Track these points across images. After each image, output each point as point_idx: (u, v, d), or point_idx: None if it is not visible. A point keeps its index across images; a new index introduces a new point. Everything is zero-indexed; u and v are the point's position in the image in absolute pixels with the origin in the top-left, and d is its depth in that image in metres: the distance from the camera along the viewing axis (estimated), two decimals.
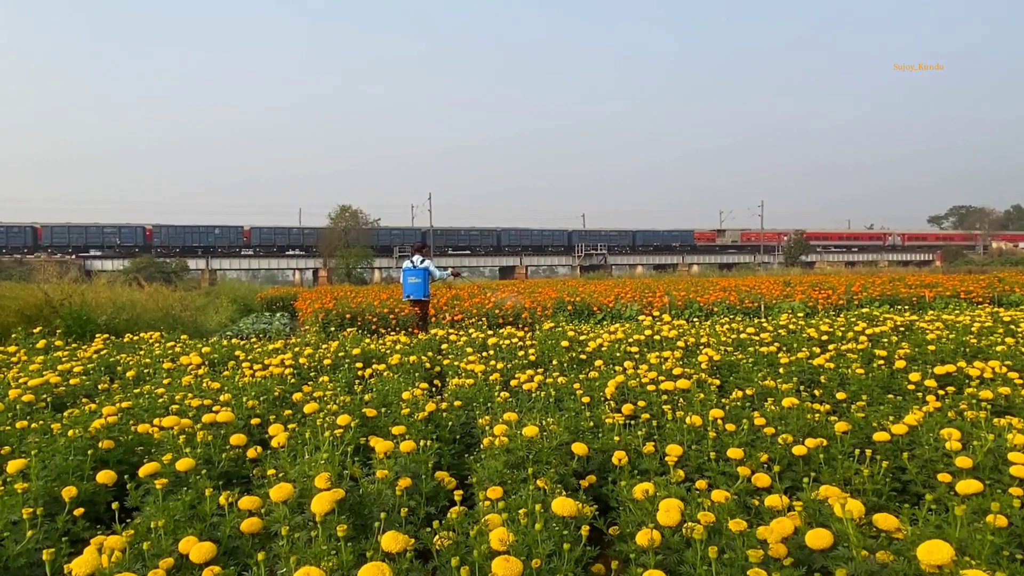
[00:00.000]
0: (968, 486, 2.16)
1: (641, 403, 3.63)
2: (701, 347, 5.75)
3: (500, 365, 4.97)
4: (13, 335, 7.12)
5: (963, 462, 2.44)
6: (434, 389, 4.98)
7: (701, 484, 2.38)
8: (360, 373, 5.17)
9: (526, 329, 8.51)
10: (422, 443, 2.84)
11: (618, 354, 5.63)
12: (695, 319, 9.80)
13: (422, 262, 9.82)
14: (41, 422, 3.50)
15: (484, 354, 5.70)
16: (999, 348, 5.12)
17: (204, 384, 4.48)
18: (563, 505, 2.10)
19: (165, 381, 4.78)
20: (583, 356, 5.73)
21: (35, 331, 7.22)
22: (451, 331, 7.54)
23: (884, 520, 1.95)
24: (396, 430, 3.06)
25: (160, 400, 4.05)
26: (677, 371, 4.30)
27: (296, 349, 6.06)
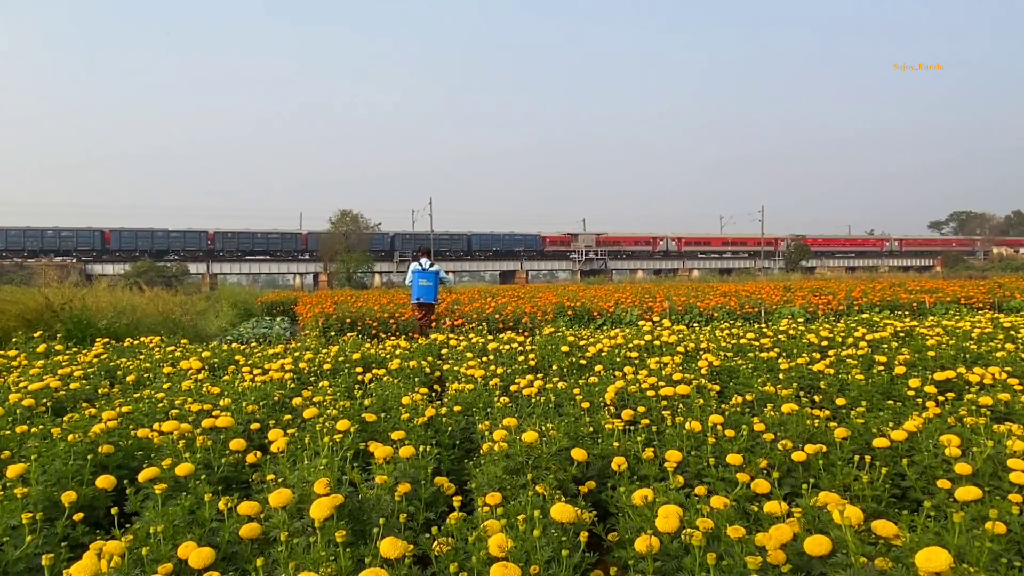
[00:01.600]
0: (967, 493, 2.16)
1: (641, 409, 3.63)
2: (701, 352, 5.75)
3: (500, 370, 4.97)
4: (14, 339, 7.13)
5: (962, 469, 2.44)
6: (434, 394, 4.99)
7: (700, 490, 2.38)
8: (360, 378, 5.17)
9: (526, 334, 8.52)
10: (421, 448, 2.84)
11: (618, 359, 5.63)
12: (695, 324, 9.81)
13: (431, 265, 9.77)
14: (41, 426, 3.49)
15: (484, 359, 5.71)
16: (999, 354, 5.12)
17: (204, 389, 4.48)
18: (562, 511, 2.10)
19: (165, 386, 4.78)
20: (583, 361, 5.73)
21: (36, 335, 7.24)
22: (451, 336, 7.54)
23: (883, 527, 1.95)
24: (396, 435, 3.07)
25: (160, 405, 4.05)
26: (677, 376, 4.30)
27: (296, 354, 6.06)
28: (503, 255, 57.67)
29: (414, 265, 9.82)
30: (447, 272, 10.55)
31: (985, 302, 13.35)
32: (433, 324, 10.14)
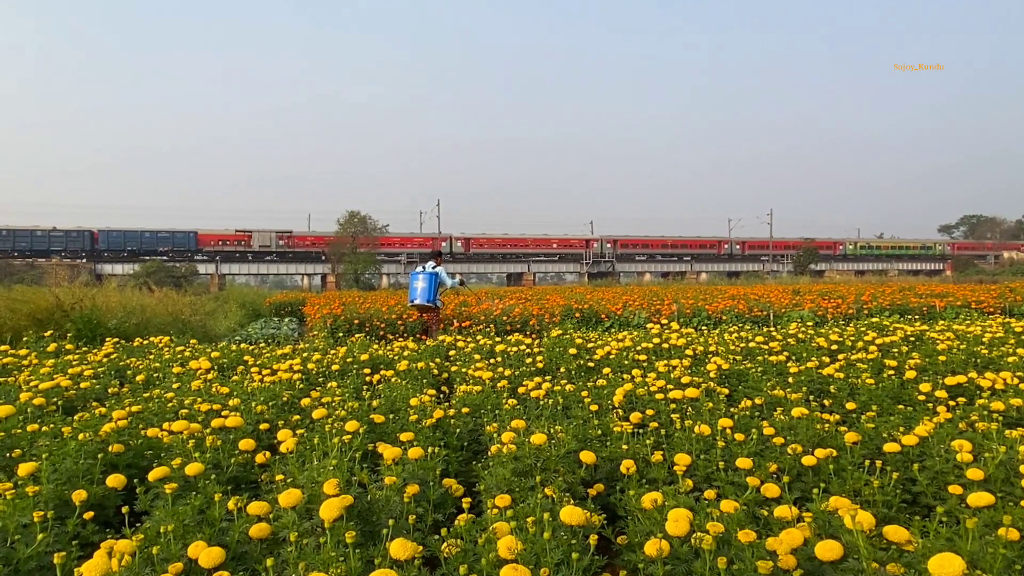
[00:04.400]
0: (979, 498, 2.14)
1: (649, 411, 3.62)
2: (710, 356, 5.73)
3: (508, 372, 4.97)
4: (24, 338, 7.19)
5: (974, 474, 2.42)
6: (442, 396, 4.98)
7: (710, 494, 2.37)
8: (368, 379, 5.18)
9: (534, 336, 8.51)
10: (430, 450, 2.85)
11: (626, 362, 5.62)
12: (703, 327, 9.77)
13: (433, 268, 9.86)
14: (52, 425, 3.52)
15: (492, 361, 5.71)
16: (1010, 359, 5.08)
17: (213, 389, 4.50)
18: (571, 514, 2.10)
19: (175, 385, 4.81)
20: (591, 364, 5.72)
21: (46, 335, 7.30)
22: (459, 338, 7.55)
23: (895, 532, 1.93)
24: (404, 436, 3.08)
25: (170, 404, 4.07)
26: (686, 380, 4.29)
27: (305, 355, 6.08)
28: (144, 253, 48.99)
29: (416, 268, 10.02)
30: (452, 275, 10.53)
31: (996, 306, 13.24)
32: (441, 326, 10.14)
